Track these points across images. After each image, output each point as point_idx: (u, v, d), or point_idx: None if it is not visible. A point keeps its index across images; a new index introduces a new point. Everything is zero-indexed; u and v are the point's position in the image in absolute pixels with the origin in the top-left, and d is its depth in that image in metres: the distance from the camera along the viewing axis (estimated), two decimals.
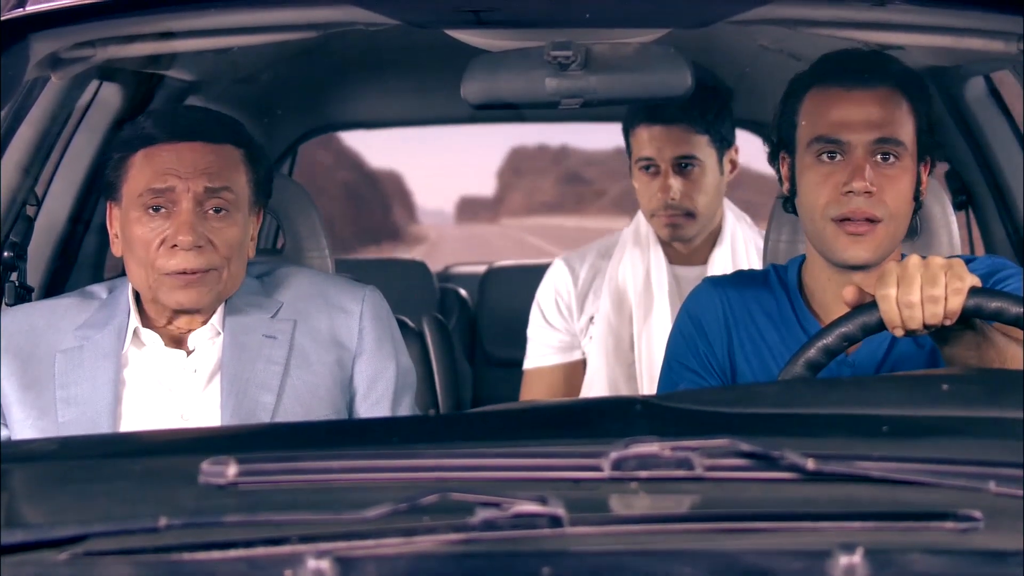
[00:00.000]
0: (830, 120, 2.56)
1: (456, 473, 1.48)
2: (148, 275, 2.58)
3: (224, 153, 2.62)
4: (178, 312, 2.62)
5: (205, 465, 1.46)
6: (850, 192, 2.52)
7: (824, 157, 2.56)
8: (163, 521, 1.37)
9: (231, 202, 2.60)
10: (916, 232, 3.04)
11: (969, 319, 2.23)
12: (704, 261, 3.68)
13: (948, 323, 2.21)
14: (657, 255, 3.65)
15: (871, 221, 2.54)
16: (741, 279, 2.79)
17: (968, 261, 2.53)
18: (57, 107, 2.89)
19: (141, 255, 2.58)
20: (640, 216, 3.70)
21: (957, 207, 3.67)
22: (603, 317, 3.64)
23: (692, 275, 3.57)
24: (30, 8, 2.37)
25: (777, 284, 2.73)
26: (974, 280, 2.21)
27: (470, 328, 5.72)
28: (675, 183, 3.56)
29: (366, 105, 5.41)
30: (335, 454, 1.51)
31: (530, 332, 3.80)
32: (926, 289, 2.17)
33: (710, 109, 3.60)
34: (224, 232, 2.59)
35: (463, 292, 5.91)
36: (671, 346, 2.79)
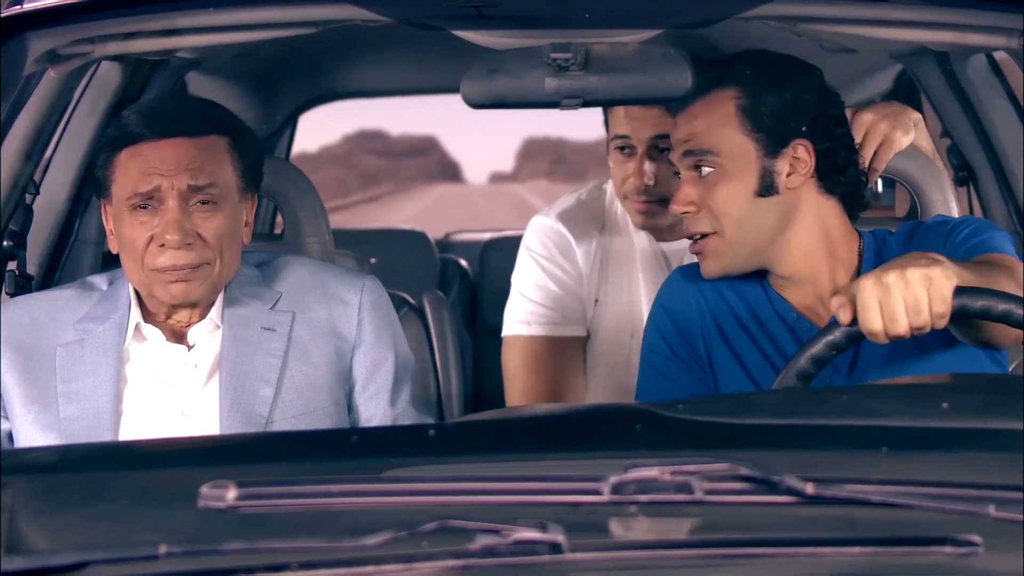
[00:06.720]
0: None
1: (455, 497, 1.48)
2: (140, 272, 2.58)
3: (208, 145, 2.60)
4: (175, 306, 2.62)
5: (205, 488, 1.47)
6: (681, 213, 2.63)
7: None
8: (163, 548, 1.37)
9: (217, 195, 2.59)
10: (916, 217, 3.05)
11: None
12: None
13: None
14: (640, 236, 3.41)
15: (704, 236, 2.60)
16: None
17: (958, 225, 2.53)
18: (56, 97, 2.87)
19: (132, 253, 2.58)
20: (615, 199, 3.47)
21: (959, 183, 3.67)
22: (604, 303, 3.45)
23: (680, 248, 3.36)
24: (28, 5, 2.36)
25: None
26: (952, 283, 2.19)
27: (471, 298, 5.72)
28: (649, 167, 3.26)
29: (365, 74, 5.40)
30: (335, 477, 1.51)
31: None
32: (912, 318, 2.17)
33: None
34: (212, 225, 2.58)
35: (463, 263, 5.93)
36: (647, 339, 2.78)
